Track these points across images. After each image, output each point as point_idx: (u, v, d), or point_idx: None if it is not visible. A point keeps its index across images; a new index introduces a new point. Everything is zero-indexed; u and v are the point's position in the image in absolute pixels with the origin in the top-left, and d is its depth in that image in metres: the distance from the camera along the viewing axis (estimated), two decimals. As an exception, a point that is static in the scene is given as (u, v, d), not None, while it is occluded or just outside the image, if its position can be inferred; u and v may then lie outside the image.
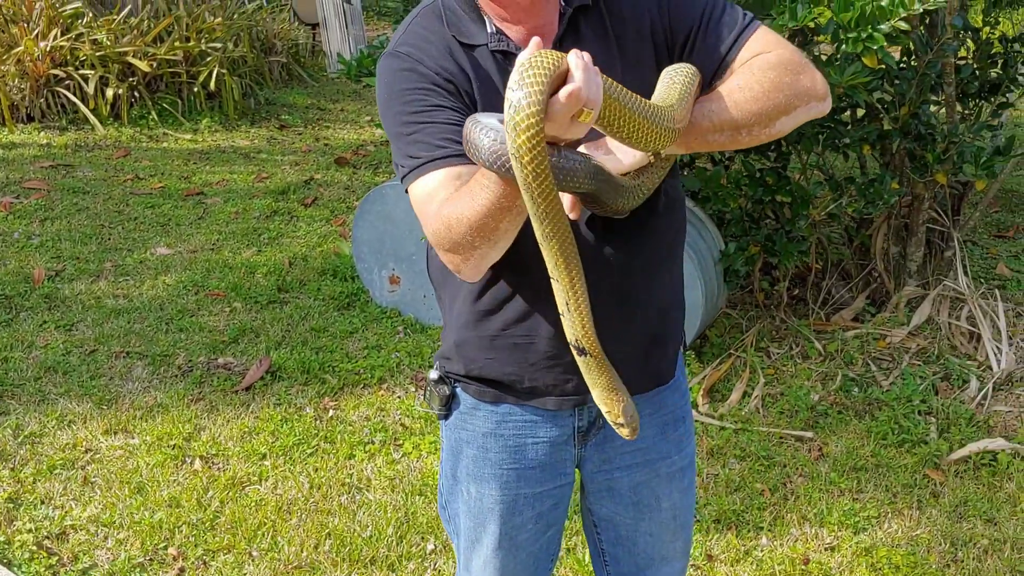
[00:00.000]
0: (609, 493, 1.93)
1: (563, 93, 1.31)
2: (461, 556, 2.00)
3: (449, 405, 1.89)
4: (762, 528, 3.26)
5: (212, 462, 3.61)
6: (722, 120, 1.55)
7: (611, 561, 2.01)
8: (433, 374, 1.89)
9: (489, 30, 1.63)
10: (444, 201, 1.53)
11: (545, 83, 1.31)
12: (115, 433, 3.77)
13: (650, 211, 1.70)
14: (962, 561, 3.10)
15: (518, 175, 1.35)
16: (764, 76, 1.56)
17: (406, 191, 1.62)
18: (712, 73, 1.64)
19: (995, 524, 3.28)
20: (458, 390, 1.87)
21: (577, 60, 1.32)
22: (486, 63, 1.63)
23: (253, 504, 3.35)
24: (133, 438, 3.74)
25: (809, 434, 3.77)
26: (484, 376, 1.82)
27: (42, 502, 3.35)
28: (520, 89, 1.31)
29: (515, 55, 1.59)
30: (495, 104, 1.58)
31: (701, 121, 1.55)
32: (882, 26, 2.90)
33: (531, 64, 1.32)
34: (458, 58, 1.62)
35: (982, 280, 5.10)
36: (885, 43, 2.91)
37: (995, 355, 4.17)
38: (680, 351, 1.95)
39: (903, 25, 2.89)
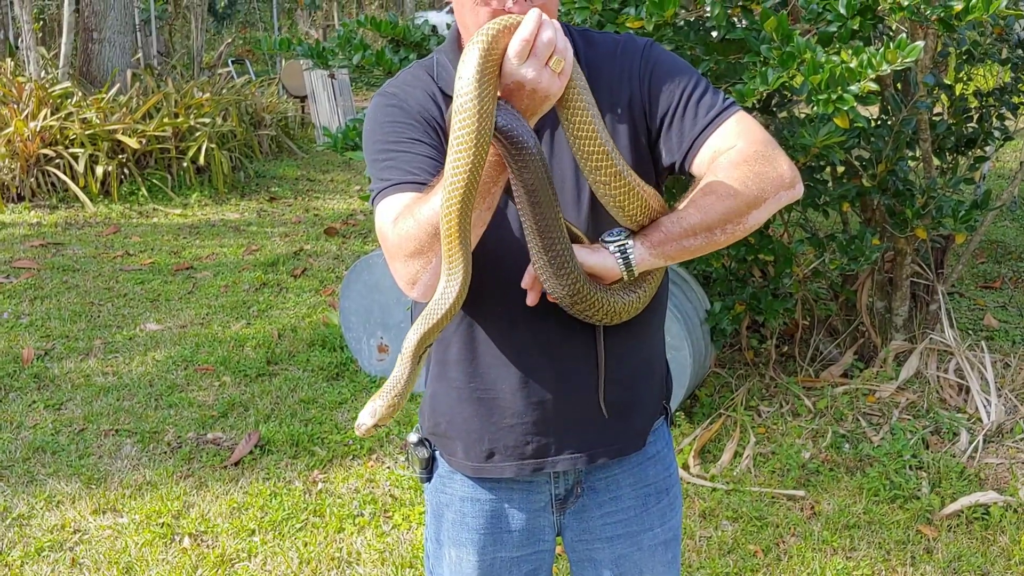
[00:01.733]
0: (591, 564, 1.92)
1: (527, 20, 1.41)
2: None
3: (431, 468, 1.91)
4: (756, 590, 3.24)
5: (201, 539, 3.58)
6: (692, 224, 1.57)
7: None
8: (412, 436, 1.91)
9: None
10: (414, 203, 1.56)
11: (484, 44, 1.39)
12: (104, 512, 3.74)
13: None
14: (958, 618, 3.08)
15: (451, 134, 1.42)
16: (730, 175, 1.58)
17: (373, 211, 1.67)
18: (685, 152, 1.67)
19: (990, 579, 3.26)
20: (437, 453, 1.89)
21: (535, 10, 1.44)
22: None
23: (242, 581, 3.32)
24: (122, 517, 3.71)
25: (801, 493, 3.76)
26: (448, 435, 1.84)
27: (29, 586, 3.32)
28: (465, 55, 1.40)
29: None
30: None
31: (672, 228, 1.58)
32: (852, 87, 2.95)
33: (478, 33, 1.41)
34: (440, 105, 1.70)
35: (970, 332, 5.12)
36: (855, 104, 2.95)
37: (984, 407, 4.17)
38: (662, 422, 1.94)
39: (873, 86, 2.94)
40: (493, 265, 1.64)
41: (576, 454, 1.79)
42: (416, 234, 1.52)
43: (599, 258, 1.58)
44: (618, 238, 1.59)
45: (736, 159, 1.60)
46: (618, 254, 1.58)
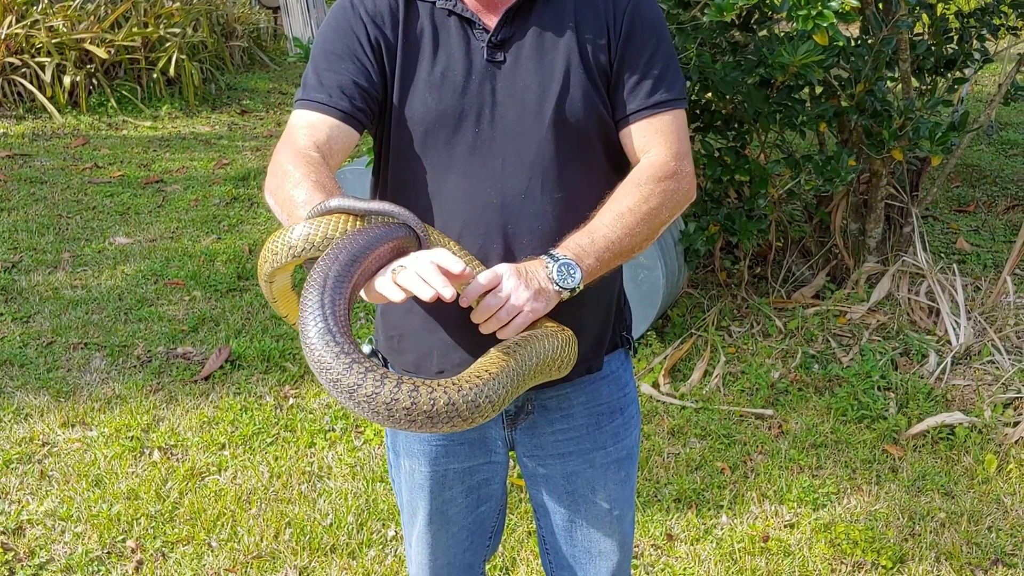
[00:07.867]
0: (544, 480, 1.93)
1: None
2: (404, 529, 2.04)
3: None
4: (722, 506, 3.27)
5: (171, 453, 3.58)
6: (616, 238, 1.63)
7: (551, 550, 2.00)
8: (365, 348, 1.88)
9: None
10: (310, 164, 1.62)
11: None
12: (73, 426, 3.73)
13: (542, 199, 1.69)
14: (920, 535, 3.13)
15: None
16: (650, 193, 1.66)
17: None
18: (617, 121, 1.72)
19: (952, 497, 3.31)
20: (390, 367, 1.88)
21: None
22: (428, 18, 1.68)
23: (212, 495, 3.33)
24: (91, 430, 3.70)
25: (769, 412, 3.79)
26: (401, 348, 1.85)
27: (-2, 497, 3.31)
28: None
29: (463, 18, 1.67)
30: (417, 59, 1.67)
31: (604, 252, 1.62)
32: (832, 3, 2.90)
33: None
34: (400, 13, 1.68)
35: (942, 255, 5.14)
36: (835, 20, 2.90)
37: (953, 329, 4.20)
38: (620, 345, 1.92)
39: (853, 2, 2.89)
40: (455, 200, 1.68)
41: None
42: (278, 174, 1.62)
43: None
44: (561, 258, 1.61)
45: (657, 173, 1.68)
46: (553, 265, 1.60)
